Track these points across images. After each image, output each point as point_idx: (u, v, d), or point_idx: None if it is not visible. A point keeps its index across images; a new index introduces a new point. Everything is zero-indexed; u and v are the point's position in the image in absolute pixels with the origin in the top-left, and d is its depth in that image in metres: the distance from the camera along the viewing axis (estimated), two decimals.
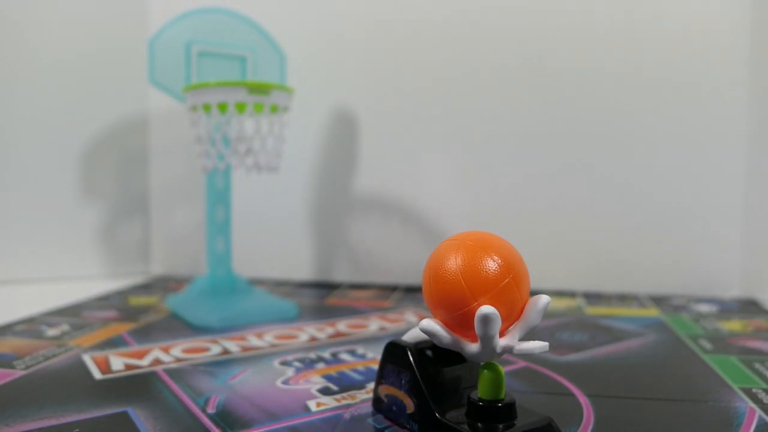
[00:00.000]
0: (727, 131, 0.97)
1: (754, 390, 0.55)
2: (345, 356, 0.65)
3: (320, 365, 0.62)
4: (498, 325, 0.40)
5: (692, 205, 0.98)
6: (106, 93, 1.14)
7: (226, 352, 0.67)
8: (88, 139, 1.14)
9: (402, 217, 1.07)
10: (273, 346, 0.69)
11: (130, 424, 0.47)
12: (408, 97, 1.06)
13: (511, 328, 0.43)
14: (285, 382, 0.57)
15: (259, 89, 0.78)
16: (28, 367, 0.60)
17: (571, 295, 1.00)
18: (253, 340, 0.71)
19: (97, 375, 0.59)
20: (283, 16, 1.07)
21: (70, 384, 0.56)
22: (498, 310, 0.39)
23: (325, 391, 0.54)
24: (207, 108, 0.78)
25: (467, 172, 1.05)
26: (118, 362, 0.62)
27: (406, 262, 1.07)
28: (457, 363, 0.45)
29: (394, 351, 0.47)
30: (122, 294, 1.00)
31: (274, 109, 0.81)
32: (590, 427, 0.47)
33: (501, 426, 0.41)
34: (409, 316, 0.85)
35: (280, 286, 1.08)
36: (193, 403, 0.51)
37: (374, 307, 0.91)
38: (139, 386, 0.56)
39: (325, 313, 0.87)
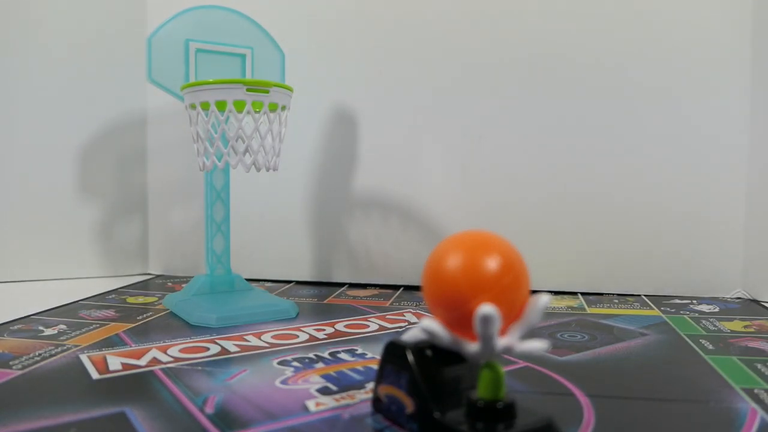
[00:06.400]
0: (728, 131, 0.97)
1: (756, 390, 0.54)
2: (344, 356, 0.65)
3: (319, 365, 0.62)
4: (498, 324, 0.39)
5: (694, 204, 0.98)
6: (103, 91, 1.13)
7: (224, 351, 0.66)
8: (86, 138, 1.13)
9: (402, 216, 1.07)
10: (272, 345, 0.69)
11: (127, 425, 0.46)
12: (408, 97, 1.06)
13: (510, 327, 0.42)
14: (284, 382, 0.56)
15: (258, 87, 0.77)
16: (24, 367, 0.60)
17: (572, 295, 1.00)
18: (252, 340, 0.71)
19: (95, 375, 0.58)
20: (283, 14, 1.07)
21: (67, 384, 0.56)
22: (498, 310, 0.39)
23: (324, 391, 0.54)
24: (205, 106, 0.78)
25: (467, 172, 1.04)
26: (115, 362, 0.62)
27: (406, 262, 1.07)
28: (457, 363, 0.45)
29: (394, 351, 0.47)
30: (120, 293, 0.99)
31: (273, 108, 0.81)
32: (590, 428, 0.46)
33: (501, 426, 0.41)
34: (409, 316, 0.85)
35: (279, 285, 1.08)
36: (191, 403, 0.51)
37: (374, 307, 0.90)
38: (136, 386, 0.55)
39: (324, 313, 0.87)
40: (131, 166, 1.18)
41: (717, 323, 0.80)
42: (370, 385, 0.55)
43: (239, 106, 0.78)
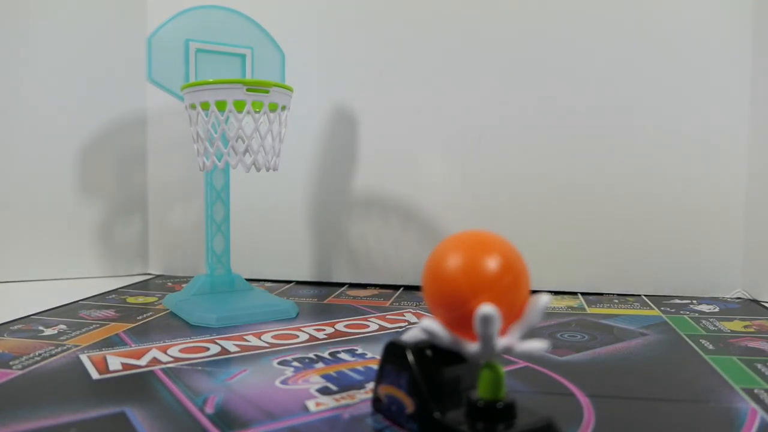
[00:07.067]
0: (728, 131, 0.97)
1: (756, 390, 0.54)
2: (344, 356, 0.65)
3: (319, 365, 0.62)
4: (498, 324, 0.39)
5: (694, 204, 0.98)
6: (103, 91, 1.13)
7: (224, 351, 0.66)
8: (86, 138, 1.13)
9: (402, 216, 1.07)
10: (272, 345, 0.69)
11: (127, 425, 0.46)
12: (408, 97, 1.06)
13: (510, 327, 0.42)
14: (284, 382, 0.56)
15: (258, 87, 0.77)
16: (24, 367, 0.60)
17: (572, 295, 1.00)
18: (252, 340, 0.71)
19: (95, 375, 0.58)
20: (283, 14, 1.07)
21: (67, 384, 0.56)
22: (498, 310, 0.39)
23: (324, 391, 0.54)
24: (205, 106, 0.78)
25: (467, 172, 1.04)
26: (115, 362, 0.62)
27: (406, 262, 1.07)
28: (457, 363, 0.45)
29: (394, 351, 0.47)
30: (120, 293, 0.99)
31: (273, 108, 0.81)
32: (590, 428, 0.46)
33: (501, 426, 0.41)
34: (409, 316, 0.85)
35: (279, 285, 1.08)
36: (191, 403, 0.51)
37: (374, 307, 0.90)
38: (136, 386, 0.55)
39: (324, 313, 0.87)
40: (131, 166, 1.18)
41: (717, 323, 0.80)
42: (370, 385, 0.55)
43: (239, 106, 0.78)
